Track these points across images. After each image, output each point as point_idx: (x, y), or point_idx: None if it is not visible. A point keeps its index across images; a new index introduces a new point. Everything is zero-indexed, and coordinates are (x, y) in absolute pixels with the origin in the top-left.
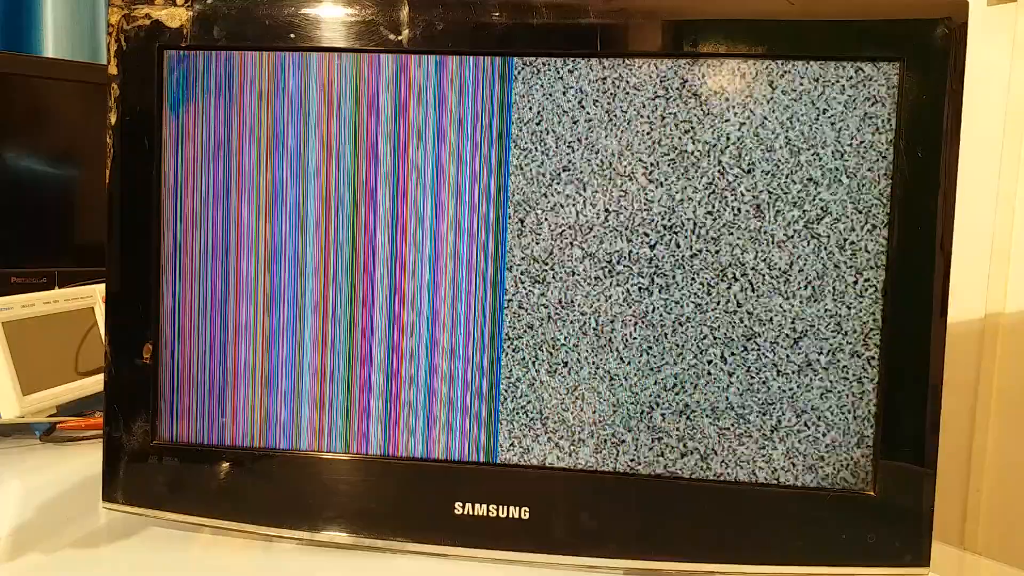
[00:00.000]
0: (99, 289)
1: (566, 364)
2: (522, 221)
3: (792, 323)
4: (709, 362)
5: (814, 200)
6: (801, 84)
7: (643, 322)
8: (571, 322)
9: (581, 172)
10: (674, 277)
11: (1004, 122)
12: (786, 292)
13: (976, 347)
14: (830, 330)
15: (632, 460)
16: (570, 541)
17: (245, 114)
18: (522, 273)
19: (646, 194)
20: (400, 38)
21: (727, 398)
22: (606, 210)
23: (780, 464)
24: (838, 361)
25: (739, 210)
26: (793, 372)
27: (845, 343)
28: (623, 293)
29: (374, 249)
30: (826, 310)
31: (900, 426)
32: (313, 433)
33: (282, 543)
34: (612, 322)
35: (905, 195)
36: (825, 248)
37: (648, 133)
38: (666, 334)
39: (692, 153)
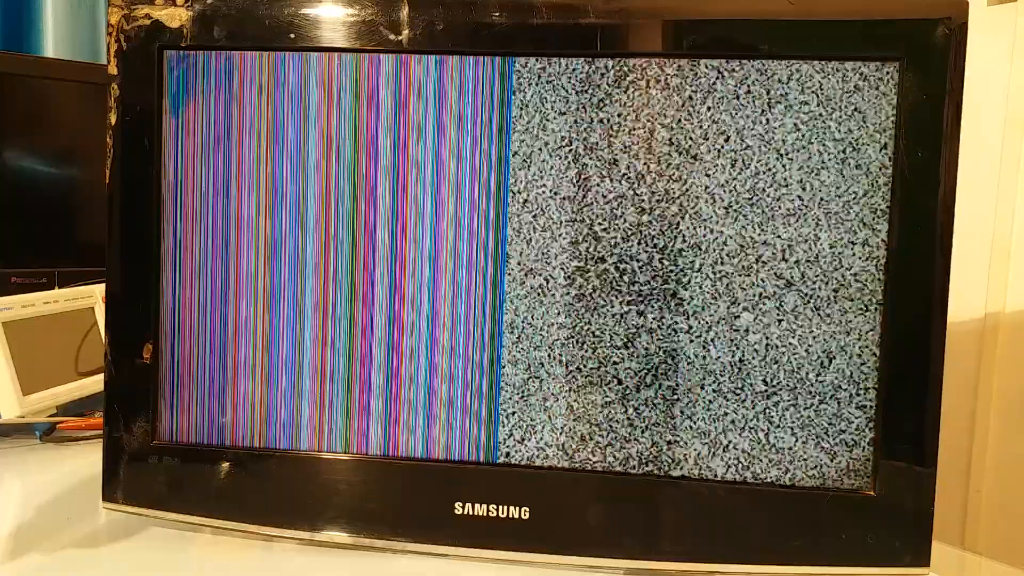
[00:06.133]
0: (99, 289)
1: (566, 363)
2: (522, 220)
3: (792, 323)
4: (710, 362)
5: (813, 199)
6: (801, 84)
7: (644, 322)
8: (572, 321)
9: (581, 172)
10: (675, 277)
11: (1004, 122)
12: (785, 292)
13: (976, 347)
14: (830, 330)
15: (632, 460)
16: (570, 541)
17: (245, 114)
18: (522, 271)
19: (646, 193)
20: (400, 38)
21: (728, 399)
22: (606, 209)
23: (780, 464)
24: (838, 361)
25: (739, 210)
26: (793, 372)
27: (845, 343)
28: (624, 292)
29: (374, 247)
30: (826, 310)
31: (900, 426)
32: (313, 433)
33: (282, 543)
34: (613, 321)
35: (905, 195)
36: (824, 248)
37: (648, 132)
38: (667, 334)
39: (692, 152)
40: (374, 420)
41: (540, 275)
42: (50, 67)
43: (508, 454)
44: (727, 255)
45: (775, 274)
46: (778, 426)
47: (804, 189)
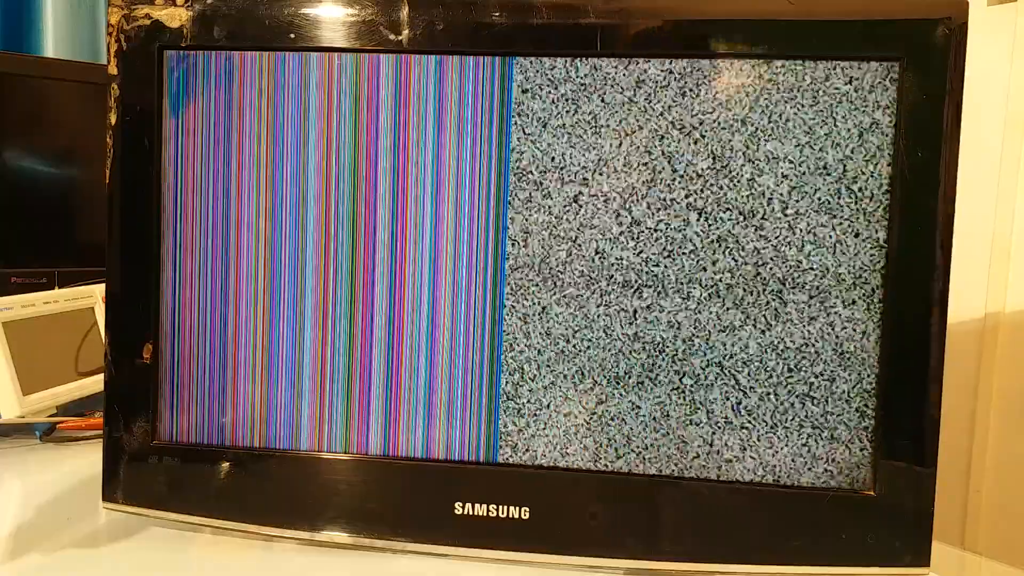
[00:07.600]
0: (99, 289)
1: (567, 363)
2: (522, 220)
3: (792, 323)
4: (710, 362)
5: (814, 200)
6: (801, 84)
7: (643, 321)
8: (571, 321)
9: (581, 172)
10: (674, 277)
11: (1004, 122)
12: (785, 292)
13: (976, 347)
14: (830, 330)
15: (632, 460)
16: (570, 541)
17: (245, 114)
18: (522, 271)
19: (646, 193)
20: (400, 38)
21: (728, 398)
22: (605, 209)
23: (780, 464)
24: (838, 360)
25: (738, 211)
26: (793, 372)
27: (845, 343)
28: (623, 292)
29: (374, 248)
30: (826, 310)
31: (900, 426)
32: (313, 432)
33: (282, 543)
34: (613, 321)
35: (905, 195)
36: (825, 248)
37: (648, 133)
38: (667, 334)
39: (691, 152)
40: (374, 420)
41: (540, 275)
42: (50, 67)
43: (508, 454)
44: (725, 253)
45: (774, 273)
46: (778, 426)
47: (804, 188)
